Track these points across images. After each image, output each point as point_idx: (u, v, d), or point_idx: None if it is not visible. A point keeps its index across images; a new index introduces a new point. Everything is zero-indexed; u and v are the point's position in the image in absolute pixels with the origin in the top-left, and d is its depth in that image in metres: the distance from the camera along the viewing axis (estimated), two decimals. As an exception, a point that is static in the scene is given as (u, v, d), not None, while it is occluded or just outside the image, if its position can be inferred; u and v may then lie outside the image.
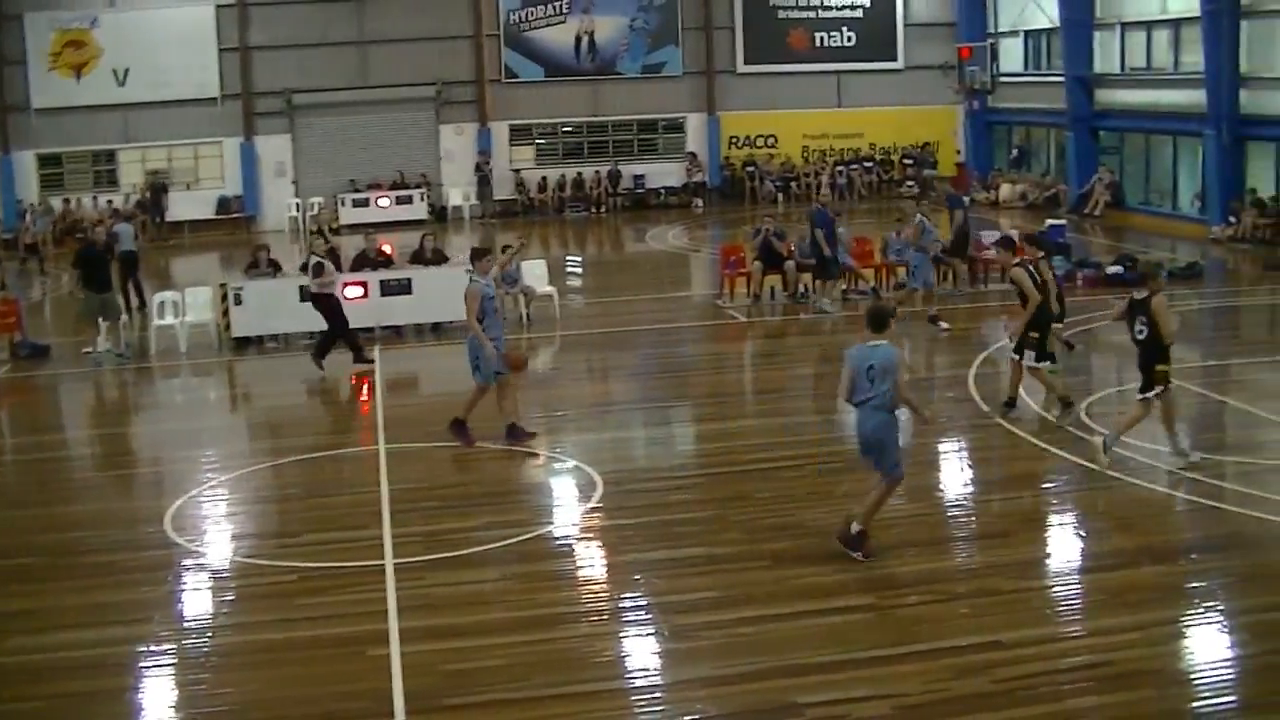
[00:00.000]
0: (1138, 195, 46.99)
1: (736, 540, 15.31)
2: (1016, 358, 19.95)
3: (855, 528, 14.46)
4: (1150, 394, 17.51)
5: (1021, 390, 20.35)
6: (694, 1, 54.76)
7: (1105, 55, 47.49)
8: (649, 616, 13.26)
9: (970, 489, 17.90)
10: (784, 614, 13.05)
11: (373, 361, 25.59)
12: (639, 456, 19.21)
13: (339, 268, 28.77)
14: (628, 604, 13.61)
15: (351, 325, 25.79)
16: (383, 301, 28.11)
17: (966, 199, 33.20)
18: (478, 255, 19.90)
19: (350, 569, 14.68)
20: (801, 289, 30.81)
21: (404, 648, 12.50)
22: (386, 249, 31.59)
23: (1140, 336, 17.43)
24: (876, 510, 14.68)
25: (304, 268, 27.27)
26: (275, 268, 29.17)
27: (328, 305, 25.48)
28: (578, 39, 54.23)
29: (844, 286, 30.70)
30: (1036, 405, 20.84)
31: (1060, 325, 22.02)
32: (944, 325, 26.84)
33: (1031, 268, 20.09)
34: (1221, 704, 11.17)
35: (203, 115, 50.99)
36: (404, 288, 28.37)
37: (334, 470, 19.04)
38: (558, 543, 15.70)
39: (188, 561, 15.38)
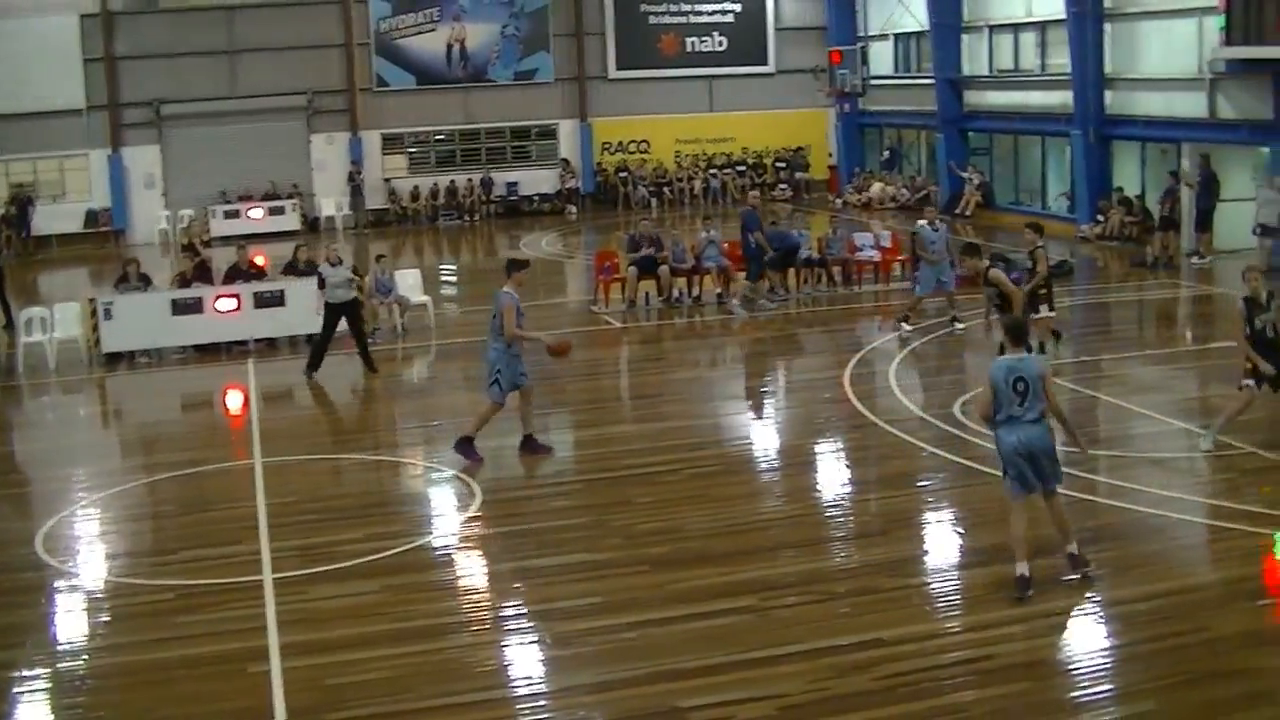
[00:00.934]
0: (1007, 195, 47.61)
1: (617, 546, 15.31)
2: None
3: (1071, 549, 13.75)
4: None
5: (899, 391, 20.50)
6: (565, 8, 54.75)
7: (974, 57, 48.08)
8: (531, 624, 13.22)
9: (848, 489, 17.98)
10: (666, 618, 13.06)
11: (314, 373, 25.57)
12: (517, 464, 19.15)
13: (210, 280, 28.52)
14: (509, 612, 13.56)
15: (226, 339, 25.56)
16: (256, 314, 27.81)
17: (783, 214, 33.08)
18: (516, 267, 19.33)
19: (228, 585, 14.49)
20: (676, 293, 30.89)
21: (284, 663, 12.36)
22: (259, 261, 31.25)
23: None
24: (1069, 525, 13.91)
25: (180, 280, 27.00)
26: (146, 281, 28.75)
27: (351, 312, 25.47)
28: (449, 47, 53.98)
29: (717, 290, 30.81)
30: (913, 404, 21.04)
31: (1053, 314, 22.38)
32: (907, 327, 26.77)
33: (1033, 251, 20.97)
34: (1097, 693, 11.35)
35: (68, 127, 49.95)
36: (277, 300, 28.08)
37: (209, 486, 18.75)
38: (438, 553, 15.60)
39: (61, 583, 15.09)
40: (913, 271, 31.35)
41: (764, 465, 18.91)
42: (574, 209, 53.84)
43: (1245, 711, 10.85)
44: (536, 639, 12.93)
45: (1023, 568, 13.35)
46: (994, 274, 20.00)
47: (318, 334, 25.50)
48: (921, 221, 28.16)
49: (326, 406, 24.12)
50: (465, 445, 18.99)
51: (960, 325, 26.45)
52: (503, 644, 12.87)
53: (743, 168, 56.42)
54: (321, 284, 25.30)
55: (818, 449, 19.71)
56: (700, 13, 56.40)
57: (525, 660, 12.56)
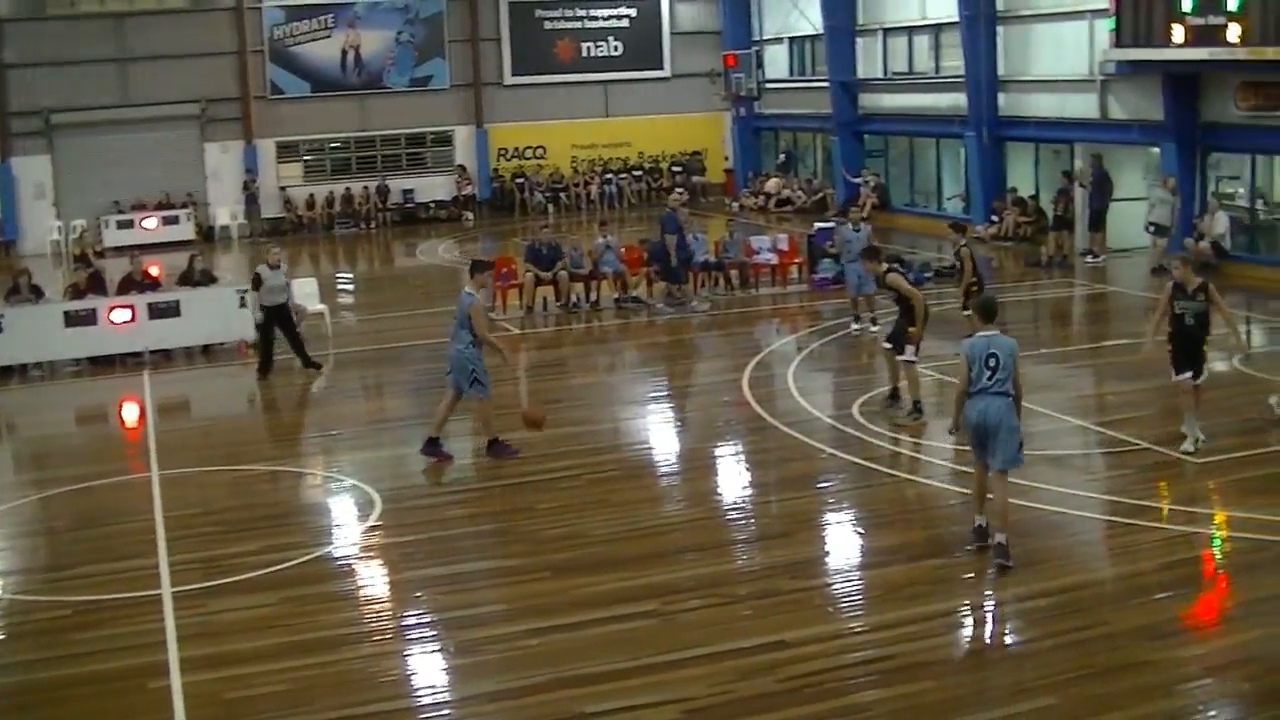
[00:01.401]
0: (903, 197, 47.97)
1: (518, 553, 15.26)
2: (889, 347, 20.19)
3: (1000, 539, 14.15)
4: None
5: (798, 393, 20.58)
6: (460, 14, 54.56)
7: (868, 60, 48.35)
8: (433, 633, 13.15)
9: (749, 491, 18.04)
10: (569, 624, 13.02)
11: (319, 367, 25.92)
12: (417, 473, 19.04)
13: (104, 291, 28.17)
14: (411, 621, 13.48)
15: (121, 350, 25.24)
16: (151, 324, 27.45)
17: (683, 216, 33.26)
18: (480, 268, 19.73)
19: (126, 600, 14.30)
20: (573, 299, 30.88)
21: (185, 678, 12.21)
22: (153, 271, 30.91)
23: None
24: (1006, 511, 14.34)
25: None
26: (37, 293, 28.34)
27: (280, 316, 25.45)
28: (344, 53, 53.62)
29: (615, 295, 30.84)
30: (812, 406, 21.13)
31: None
32: (857, 328, 26.89)
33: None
34: (1000, 689, 11.48)
35: (-44, 137, 49.34)
36: (172, 310, 27.76)
37: (105, 500, 18.45)
38: (338, 563, 15.47)
39: (-47, 601, 14.87)
40: (810, 272, 31.60)
41: (665, 469, 18.93)
42: (470, 216, 53.58)
43: (1143, 704, 10.97)
44: (439, 648, 12.86)
45: (980, 519, 14.60)
46: (892, 278, 20.08)
47: (259, 340, 25.83)
48: (844, 223, 28.38)
49: (224, 417, 23.87)
50: (497, 446, 19.10)
51: (875, 328, 26.58)
52: (405, 654, 12.79)
53: (639, 172, 56.51)
54: (257, 286, 25.17)
55: (718, 452, 19.76)
56: (596, 18, 56.43)
57: (428, 669, 12.49)
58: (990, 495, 14.46)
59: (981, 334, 14.35)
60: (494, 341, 19.17)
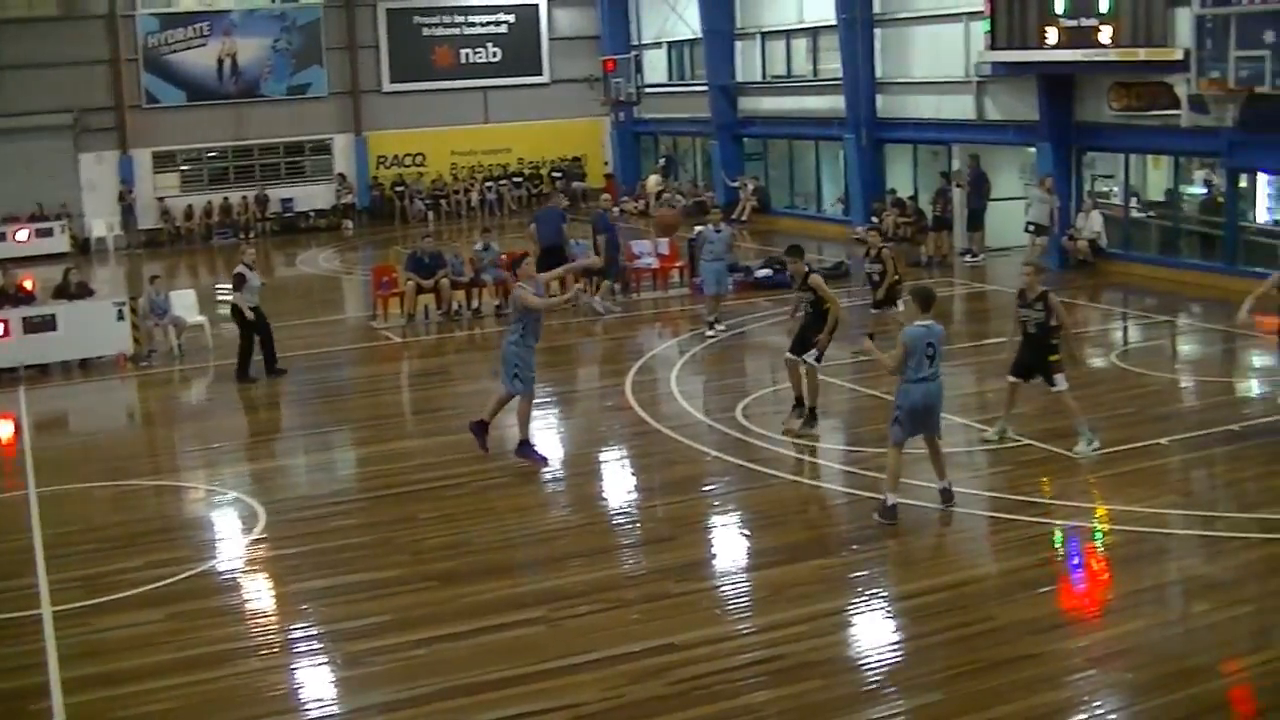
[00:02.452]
0: (783, 199, 48.24)
1: (404, 563, 15.17)
2: (792, 357, 19.92)
3: (944, 484, 16.00)
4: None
5: (681, 396, 20.60)
6: (338, 21, 54.23)
7: (747, 64, 48.60)
8: (320, 646, 13.03)
9: (634, 495, 18.05)
10: (457, 633, 12.96)
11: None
12: (301, 484, 18.90)
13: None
14: (298, 634, 13.35)
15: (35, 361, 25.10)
16: (26, 339, 26.97)
17: (614, 216, 33.43)
18: (519, 262, 20.17)
19: (4, 621, 14.05)
20: (455, 306, 30.73)
21: (67, 699, 12.00)
22: (27, 284, 30.43)
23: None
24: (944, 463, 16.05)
25: None
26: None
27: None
28: (220, 62, 53.04)
29: (496, 302, 30.76)
30: (695, 409, 21.20)
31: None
32: (711, 334, 26.96)
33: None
34: (888, 687, 11.52)
35: None
36: (48, 324, 27.33)
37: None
38: (223, 577, 15.29)
39: None
40: (691, 275, 31.68)
41: (549, 475, 18.84)
42: (350, 224, 53.22)
43: (1029, 697, 11.09)
44: (326, 660, 12.75)
45: (893, 498, 15.53)
46: (814, 279, 20.14)
47: (241, 344, 25.82)
48: (704, 225, 28.44)
49: (104, 432, 23.54)
50: (526, 449, 18.88)
51: (719, 327, 26.75)
52: (292, 667, 12.67)
53: (519, 179, 56.42)
54: (240, 286, 25.28)
55: (602, 457, 19.76)
56: (474, 24, 56.30)
57: (315, 682, 12.37)
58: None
59: (920, 323, 15.48)
60: (551, 304, 20.21)
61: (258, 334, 25.51)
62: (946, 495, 15.86)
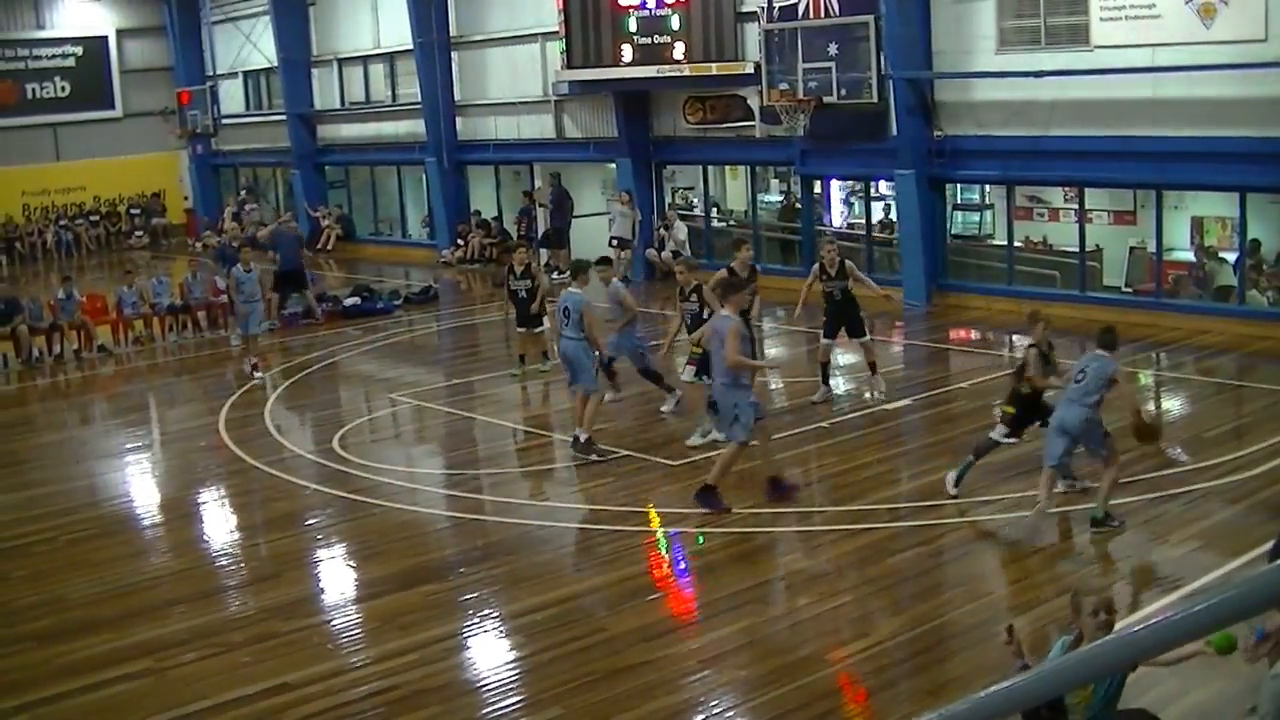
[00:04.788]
0: (367, 226, 47.96)
1: (-6, 624, 14.46)
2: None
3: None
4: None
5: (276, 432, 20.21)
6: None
7: (325, 91, 48.06)
8: (-94, 719, 12.32)
9: (235, 535, 17.56)
10: (55, 695, 12.30)
11: None
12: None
13: None
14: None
15: None
16: None
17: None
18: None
19: None
20: (35, 353, 29.45)
21: None
22: None
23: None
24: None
25: None
26: None
27: None
28: None
29: (75, 347, 29.67)
30: (291, 443, 20.86)
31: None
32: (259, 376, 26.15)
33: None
34: (507, 706, 11.49)
35: None
36: None
37: None
38: None
39: None
40: (279, 310, 31.15)
41: (145, 522, 18.23)
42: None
43: (646, 702, 11.22)
44: (-85, 734, 12.06)
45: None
46: (618, 288, 20.30)
47: None
48: (236, 265, 27.44)
49: None
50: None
51: (258, 375, 26.35)
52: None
53: (95, 217, 54.47)
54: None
55: (200, 498, 19.20)
56: (40, 57, 54.03)
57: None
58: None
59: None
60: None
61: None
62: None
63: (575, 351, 19.08)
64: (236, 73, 52.78)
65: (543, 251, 37.41)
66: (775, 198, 35.54)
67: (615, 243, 34.57)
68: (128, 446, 22.51)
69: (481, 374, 25.31)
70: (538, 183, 38.92)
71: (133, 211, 55.14)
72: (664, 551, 15.49)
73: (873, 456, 18.45)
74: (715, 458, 16.50)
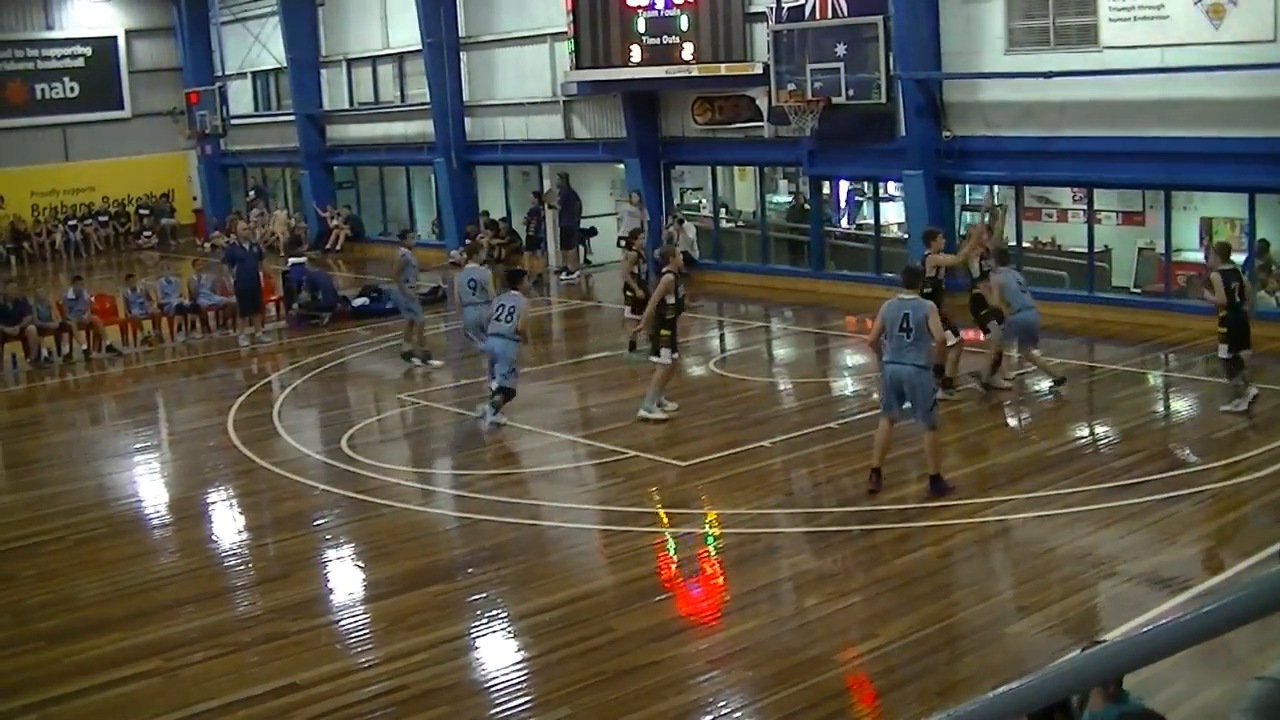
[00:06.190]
0: (376, 226, 47.96)
1: (4, 625, 14.42)
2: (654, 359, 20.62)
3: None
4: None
5: (285, 432, 20.22)
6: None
7: (334, 91, 48.14)
8: (-85, 719, 12.35)
9: (244, 536, 17.54)
10: (65, 694, 12.32)
11: None
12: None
13: None
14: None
15: None
16: None
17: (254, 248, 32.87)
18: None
19: None
20: (44, 353, 29.50)
21: None
22: None
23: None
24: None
25: None
26: None
27: None
28: None
29: (84, 347, 29.73)
30: (300, 443, 20.88)
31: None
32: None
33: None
34: (516, 706, 11.48)
35: None
36: None
37: None
38: None
39: None
40: (287, 309, 31.11)
41: (154, 522, 18.27)
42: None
43: (654, 703, 11.21)
44: (-76, 734, 12.08)
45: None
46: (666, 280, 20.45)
47: None
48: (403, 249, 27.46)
49: None
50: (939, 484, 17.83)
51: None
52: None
53: (104, 217, 54.52)
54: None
55: (208, 499, 19.20)
56: (49, 58, 54.11)
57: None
58: None
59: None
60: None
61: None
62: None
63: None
64: (245, 73, 52.87)
65: (550, 253, 37.47)
66: (784, 198, 35.52)
67: (623, 243, 34.55)
68: (136, 447, 22.54)
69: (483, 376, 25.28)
70: (546, 183, 38.91)
71: (141, 212, 55.21)
72: (673, 552, 15.47)
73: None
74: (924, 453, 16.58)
